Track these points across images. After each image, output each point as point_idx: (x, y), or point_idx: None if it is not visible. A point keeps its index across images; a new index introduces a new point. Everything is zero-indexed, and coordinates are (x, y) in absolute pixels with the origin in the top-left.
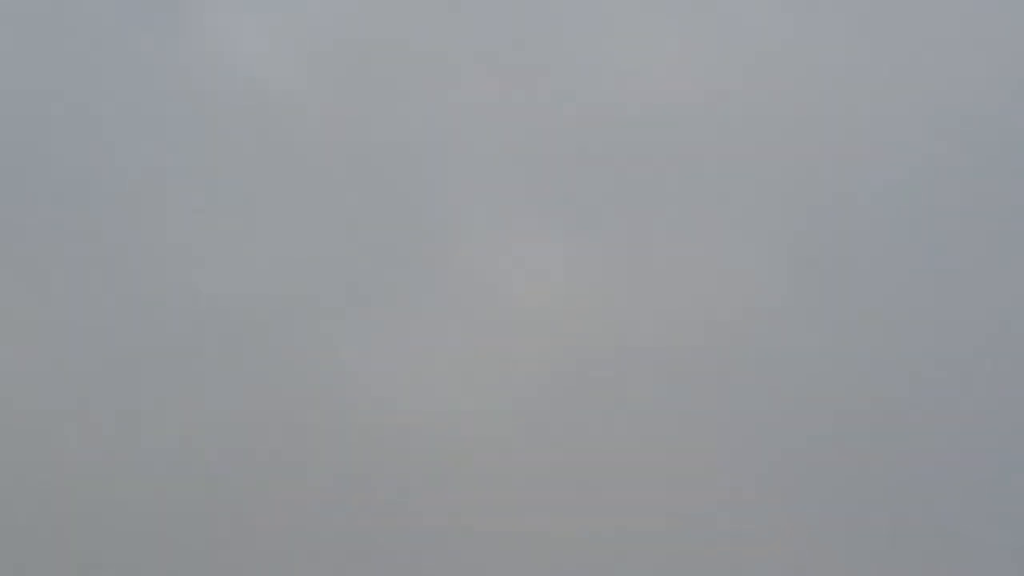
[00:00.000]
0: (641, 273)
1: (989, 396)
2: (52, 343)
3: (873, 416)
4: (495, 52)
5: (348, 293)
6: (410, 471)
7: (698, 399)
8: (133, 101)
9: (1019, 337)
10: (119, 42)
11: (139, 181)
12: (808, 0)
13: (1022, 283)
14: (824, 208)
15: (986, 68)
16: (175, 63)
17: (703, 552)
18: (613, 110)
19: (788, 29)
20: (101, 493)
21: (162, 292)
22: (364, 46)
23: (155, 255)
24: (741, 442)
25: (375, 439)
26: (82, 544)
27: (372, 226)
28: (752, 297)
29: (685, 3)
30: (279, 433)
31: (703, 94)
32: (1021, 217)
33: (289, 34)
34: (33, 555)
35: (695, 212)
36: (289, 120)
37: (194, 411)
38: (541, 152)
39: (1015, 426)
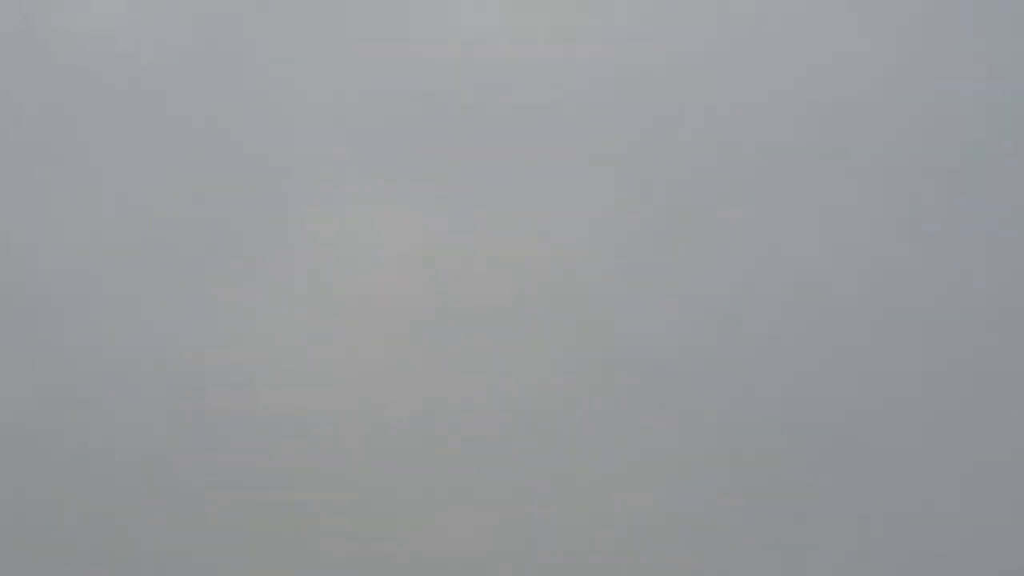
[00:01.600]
0: (491, 235)
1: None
2: None
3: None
4: (340, 9)
5: (183, 257)
6: (253, 448)
7: (546, 359)
8: None
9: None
10: None
11: None
12: None
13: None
14: (660, 165)
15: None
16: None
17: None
18: (459, 69)
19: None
20: None
21: None
22: (203, 4)
23: None
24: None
25: (213, 414)
26: None
27: (212, 191)
28: (589, 259)
29: None
30: (110, 404)
31: (552, 55)
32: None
33: None
34: None
35: (545, 172)
36: (124, 77)
37: (19, 384)
38: (384, 113)
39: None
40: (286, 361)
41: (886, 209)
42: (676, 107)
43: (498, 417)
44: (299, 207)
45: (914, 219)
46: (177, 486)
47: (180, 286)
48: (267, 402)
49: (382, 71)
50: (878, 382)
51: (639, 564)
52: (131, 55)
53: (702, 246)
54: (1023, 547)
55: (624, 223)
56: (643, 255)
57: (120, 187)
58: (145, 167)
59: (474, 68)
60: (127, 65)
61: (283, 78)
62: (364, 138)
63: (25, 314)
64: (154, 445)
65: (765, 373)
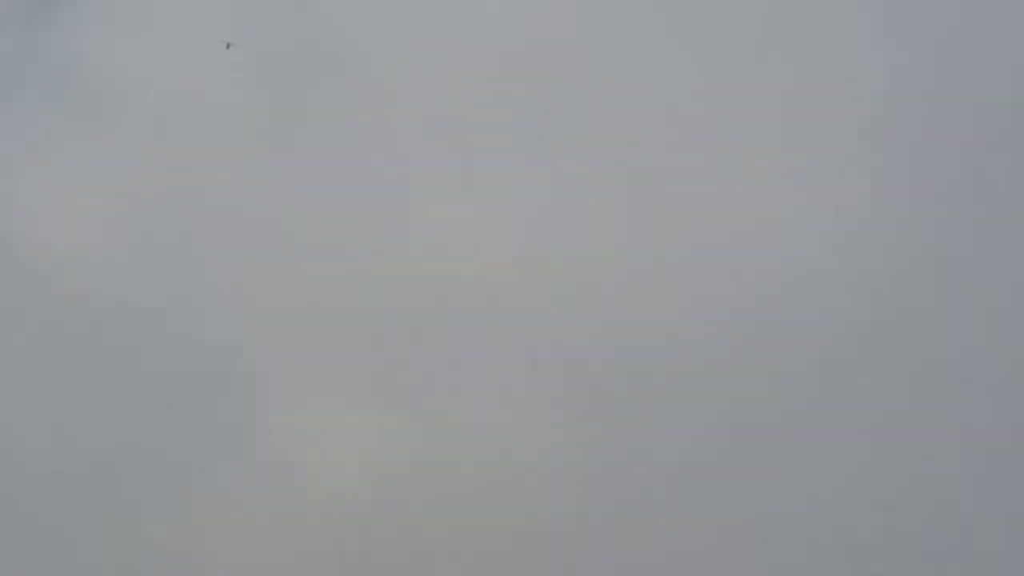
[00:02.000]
0: (442, 436)
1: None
2: None
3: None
4: (307, 222)
5: (150, 459)
6: None
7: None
8: None
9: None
10: None
11: None
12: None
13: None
14: None
15: None
16: None
17: None
18: (413, 284)
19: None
20: None
21: None
22: (157, 209)
23: None
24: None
25: None
26: None
27: (176, 395)
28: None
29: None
30: None
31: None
32: None
33: (80, 193)
34: None
35: (494, 391)
36: (88, 287)
37: None
38: (345, 333)
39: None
40: (248, 566)
41: None
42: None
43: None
44: (262, 417)
45: None
46: None
47: (143, 489)
48: None
49: (347, 296)
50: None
51: None
52: (107, 278)
53: None
54: None
55: (573, 439)
56: None
57: (88, 398)
58: (112, 381)
59: (429, 295)
60: (99, 279)
61: (252, 300)
62: (327, 357)
63: None
64: None
65: None
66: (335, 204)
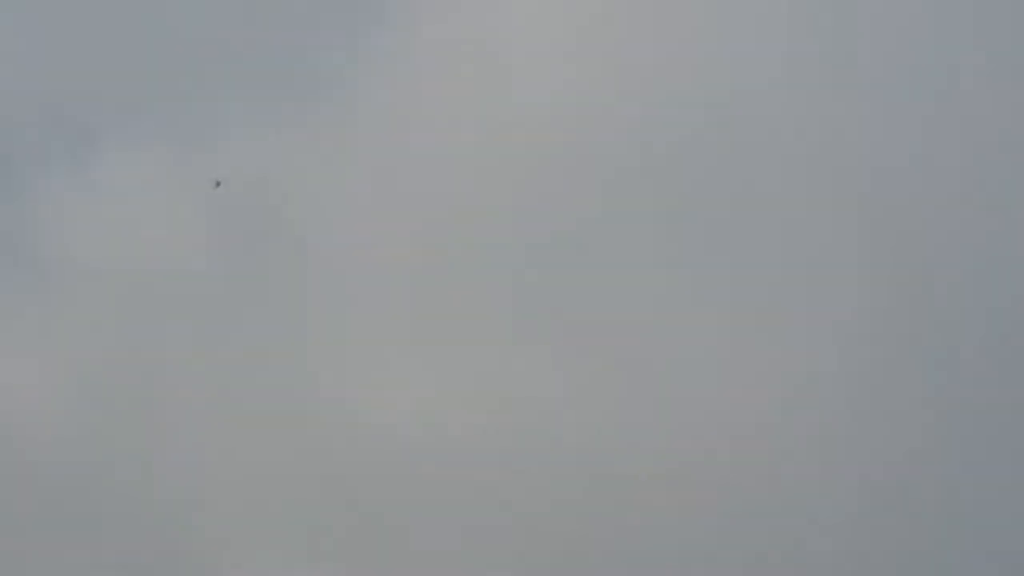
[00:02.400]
0: None
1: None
2: None
3: None
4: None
5: None
6: None
7: None
8: None
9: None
10: None
11: None
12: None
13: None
14: None
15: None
16: None
17: None
18: (365, 454)
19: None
20: None
21: None
22: (114, 380)
23: None
24: None
25: None
26: None
27: (133, 557)
28: None
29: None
30: None
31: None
32: None
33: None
34: None
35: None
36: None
37: None
38: (288, 498)
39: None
40: None
41: None
42: None
43: None
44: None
45: None
46: None
47: None
48: None
49: (298, 462)
50: None
51: None
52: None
53: None
54: None
55: None
56: None
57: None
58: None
59: (380, 465)
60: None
61: (207, 465)
62: (282, 518)
63: None
64: None
65: None
66: (288, 374)
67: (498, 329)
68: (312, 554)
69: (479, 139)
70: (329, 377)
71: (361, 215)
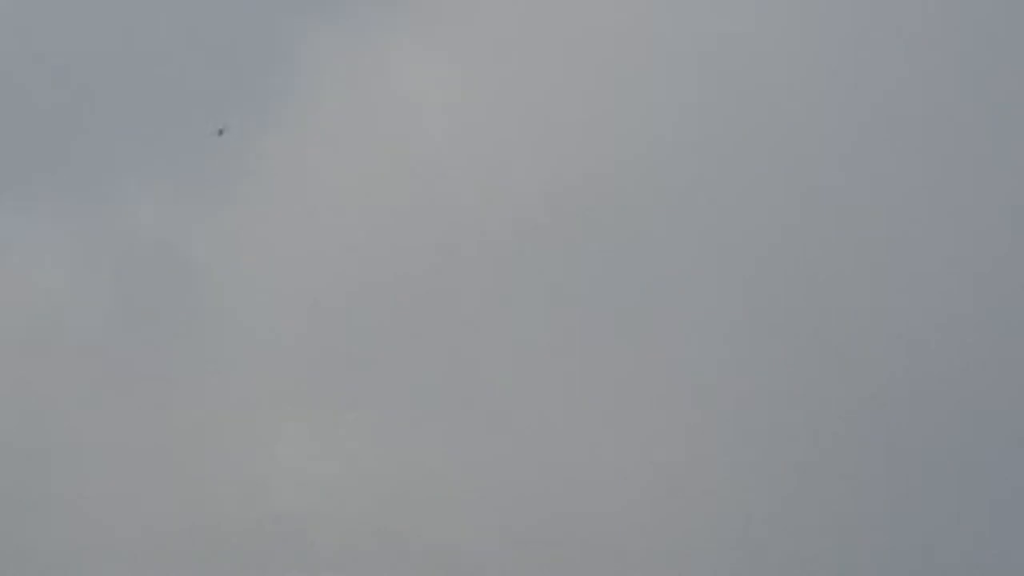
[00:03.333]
0: None
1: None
2: None
3: None
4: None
5: None
6: None
7: None
8: None
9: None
10: None
11: None
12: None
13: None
14: None
15: None
16: None
17: None
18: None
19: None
20: None
21: None
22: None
23: None
24: None
25: None
26: None
27: None
28: None
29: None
30: None
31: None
32: None
33: None
34: None
35: None
36: None
37: None
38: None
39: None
40: None
41: None
42: None
43: None
44: None
45: None
46: None
47: None
48: None
49: (193, 528)
50: None
51: None
52: None
53: None
54: None
55: None
56: None
57: None
58: None
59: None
60: None
61: (101, 536)
62: None
63: None
64: None
65: None
66: (181, 446)
67: (394, 403)
68: None
69: (383, 217)
70: (228, 446)
71: (262, 285)
